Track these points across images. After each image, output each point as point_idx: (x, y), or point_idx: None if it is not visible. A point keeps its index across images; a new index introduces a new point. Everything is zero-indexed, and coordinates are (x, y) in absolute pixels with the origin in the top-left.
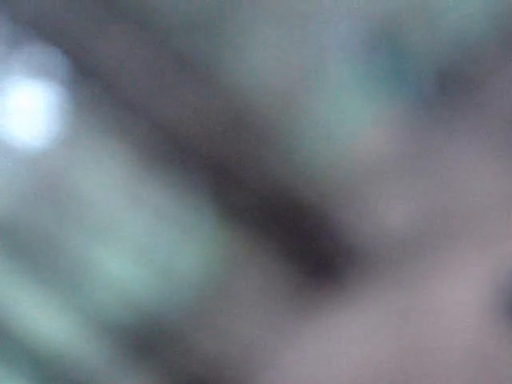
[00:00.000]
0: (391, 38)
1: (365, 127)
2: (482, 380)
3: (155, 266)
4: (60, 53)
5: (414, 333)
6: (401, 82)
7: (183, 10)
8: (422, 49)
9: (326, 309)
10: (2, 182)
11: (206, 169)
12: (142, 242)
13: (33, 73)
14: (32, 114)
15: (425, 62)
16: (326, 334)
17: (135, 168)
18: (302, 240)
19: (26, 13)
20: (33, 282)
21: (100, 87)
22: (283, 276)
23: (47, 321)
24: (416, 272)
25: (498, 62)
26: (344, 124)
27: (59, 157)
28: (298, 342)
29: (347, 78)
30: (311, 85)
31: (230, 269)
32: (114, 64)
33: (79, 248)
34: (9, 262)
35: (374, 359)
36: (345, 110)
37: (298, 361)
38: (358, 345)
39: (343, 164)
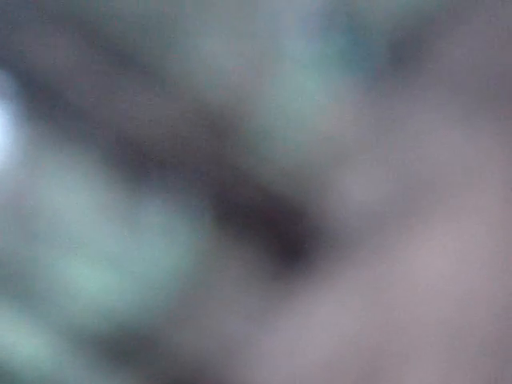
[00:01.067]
0: (344, 12)
1: (325, 106)
2: (459, 351)
3: (128, 272)
4: (4, 70)
5: (389, 306)
6: (356, 56)
7: (126, 8)
8: (374, 21)
9: (300, 292)
10: None
11: (173, 171)
12: (114, 250)
13: None
14: None
15: (378, 33)
16: (303, 317)
17: (101, 178)
18: (271, 226)
19: None
20: (5, 302)
21: (50, 99)
22: (255, 265)
23: (23, 339)
24: (386, 245)
25: (450, 26)
26: (304, 105)
27: (20, 175)
28: (276, 329)
29: (303, 56)
30: (267, 69)
31: (203, 265)
32: (61, 72)
33: (50, 264)
34: None
35: (351, 336)
36: (304, 90)
37: (277, 348)
38: (333, 323)
39: (307, 145)
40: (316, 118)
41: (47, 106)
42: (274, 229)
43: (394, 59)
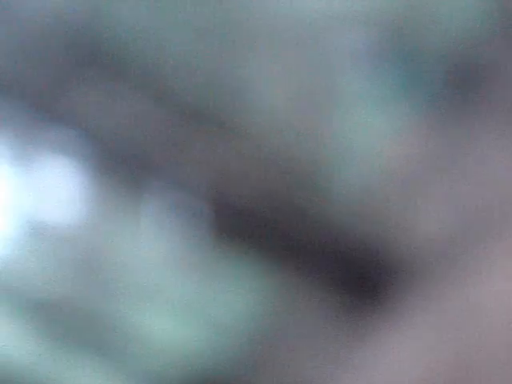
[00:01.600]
0: (396, 43)
1: (388, 137)
2: None
3: (202, 321)
4: (73, 128)
5: (462, 339)
6: (414, 85)
7: (192, 65)
8: (430, 50)
9: (375, 328)
10: (41, 262)
11: (242, 219)
12: (187, 297)
13: (52, 153)
14: (59, 192)
15: (434, 61)
16: (379, 353)
17: (174, 229)
18: (344, 264)
19: (31, 97)
20: (83, 352)
21: (121, 152)
22: (329, 303)
23: None
24: (457, 275)
25: (504, 47)
26: (368, 140)
27: (96, 228)
28: (353, 367)
29: (361, 90)
30: (329, 107)
31: (277, 307)
32: (132, 129)
33: (124, 316)
34: (57, 339)
35: (434, 373)
36: (367, 125)
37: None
38: (415, 361)
39: (373, 178)
40: (381, 152)
41: (121, 162)
42: (347, 266)
43: (451, 86)
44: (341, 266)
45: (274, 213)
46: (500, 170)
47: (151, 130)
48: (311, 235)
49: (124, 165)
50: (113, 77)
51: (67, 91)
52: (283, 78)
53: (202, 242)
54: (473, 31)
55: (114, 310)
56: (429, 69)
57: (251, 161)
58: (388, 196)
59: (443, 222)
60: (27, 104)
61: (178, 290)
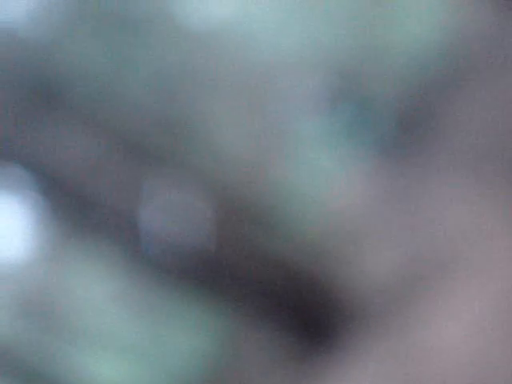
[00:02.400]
0: (349, 86)
1: (338, 179)
2: None
3: (152, 362)
4: (25, 166)
5: (417, 379)
6: (366, 128)
7: (143, 106)
8: (382, 93)
9: (326, 370)
10: None
11: (192, 258)
12: (136, 341)
13: (2, 188)
14: (8, 232)
15: (385, 104)
16: None
17: (122, 269)
18: (292, 303)
19: None
20: None
21: (72, 194)
22: (279, 344)
23: None
24: (405, 316)
25: (457, 92)
26: (317, 180)
27: (38, 269)
28: None
29: (313, 133)
30: (279, 148)
31: (226, 349)
32: (81, 168)
33: (72, 357)
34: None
35: None
36: (317, 165)
37: None
38: None
39: (323, 221)
40: (330, 193)
41: (68, 201)
42: (296, 306)
43: (402, 128)
44: (291, 306)
45: (225, 252)
46: (450, 210)
47: (103, 170)
48: (262, 274)
49: (74, 203)
50: (65, 115)
51: (18, 130)
52: (235, 119)
53: (152, 282)
54: (424, 75)
55: (63, 350)
56: (379, 111)
57: (202, 199)
58: (339, 236)
59: (393, 262)
60: None
61: (127, 331)
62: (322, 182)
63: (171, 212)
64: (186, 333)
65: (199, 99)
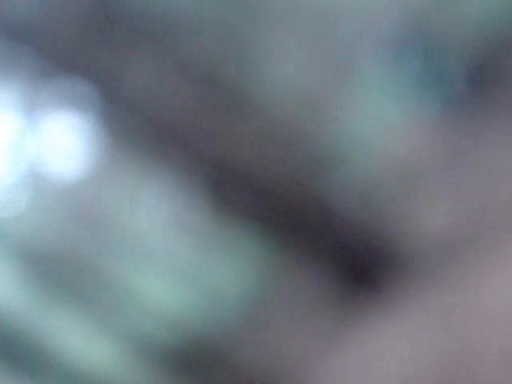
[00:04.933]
0: (418, 36)
1: (399, 129)
2: None
3: (197, 286)
4: (87, 82)
5: (459, 335)
6: (432, 80)
7: (207, 34)
8: (450, 44)
9: (369, 315)
10: (41, 214)
11: (245, 191)
12: (183, 264)
13: (62, 104)
14: (65, 146)
15: (454, 57)
16: (371, 340)
17: (176, 192)
18: (341, 249)
19: (47, 46)
20: (76, 311)
21: (132, 114)
22: (324, 285)
23: (91, 348)
24: (459, 272)
25: None
26: (378, 127)
27: (96, 186)
28: (344, 351)
29: (377, 79)
30: (341, 89)
31: (271, 282)
32: (144, 89)
33: (120, 275)
34: (51, 292)
35: (420, 364)
36: (377, 112)
37: (345, 370)
38: (402, 350)
39: (379, 168)
40: (391, 142)
41: (130, 120)
42: (344, 251)
43: (470, 83)
44: (340, 252)
45: (278, 190)
46: (509, 172)
47: (165, 96)
48: (313, 217)
49: (133, 126)
50: (130, 40)
51: (83, 45)
52: (300, 56)
53: (203, 209)
54: (496, 31)
55: (110, 267)
56: (448, 64)
57: (260, 134)
58: (392, 188)
59: (447, 218)
60: (41, 52)
61: (176, 253)
62: (382, 129)
63: (229, 143)
64: (234, 261)
65: (263, 31)
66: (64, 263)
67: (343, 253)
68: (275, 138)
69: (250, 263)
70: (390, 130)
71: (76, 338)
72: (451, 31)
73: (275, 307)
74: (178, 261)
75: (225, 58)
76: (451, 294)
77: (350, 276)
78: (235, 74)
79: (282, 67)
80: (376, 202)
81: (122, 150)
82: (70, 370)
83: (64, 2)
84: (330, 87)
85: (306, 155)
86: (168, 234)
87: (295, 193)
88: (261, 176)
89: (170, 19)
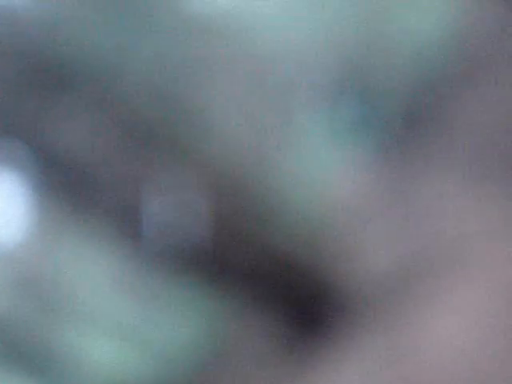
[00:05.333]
0: (353, 80)
1: (339, 171)
2: None
3: (146, 347)
4: (22, 143)
5: (407, 375)
6: (368, 122)
7: (140, 80)
8: (385, 88)
9: (319, 360)
10: None
11: (188, 243)
12: (130, 324)
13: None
14: (2, 210)
15: (389, 100)
16: None
17: (116, 250)
18: (287, 294)
19: None
20: (18, 373)
21: (69, 172)
22: (272, 334)
23: None
24: (404, 312)
25: (461, 89)
26: (318, 171)
27: (36, 249)
28: None
29: (315, 124)
30: (280, 139)
31: (219, 336)
32: (78, 144)
33: (65, 338)
34: None
35: None
36: (317, 158)
37: None
38: None
39: (321, 214)
40: (331, 185)
41: (66, 178)
42: (290, 297)
43: (405, 123)
44: (286, 297)
45: (221, 237)
46: (452, 207)
47: (102, 149)
48: (258, 262)
49: (71, 182)
50: (68, 93)
51: (18, 105)
52: (238, 105)
53: (147, 265)
54: (430, 71)
55: (54, 330)
56: (383, 105)
57: (201, 184)
58: (337, 228)
59: (391, 257)
60: None
61: (120, 313)
62: (322, 174)
63: (171, 201)
64: (181, 319)
65: (202, 86)
66: (6, 331)
67: (290, 299)
68: (218, 188)
69: (196, 315)
70: (330, 173)
71: None
72: (385, 74)
73: (226, 361)
74: (124, 322)
75: (164, 112)
76: (396, 334)
77: (297, 320)
78: (175, 128)
79: (220, 117)
80: (320, 245)
81: (61, 211)
82: None
83: None
84: (270, 134)
85: (249, 203)
86: (113, 294)
87: (240, 241)
88: (204, 226)
89: (107, 75)
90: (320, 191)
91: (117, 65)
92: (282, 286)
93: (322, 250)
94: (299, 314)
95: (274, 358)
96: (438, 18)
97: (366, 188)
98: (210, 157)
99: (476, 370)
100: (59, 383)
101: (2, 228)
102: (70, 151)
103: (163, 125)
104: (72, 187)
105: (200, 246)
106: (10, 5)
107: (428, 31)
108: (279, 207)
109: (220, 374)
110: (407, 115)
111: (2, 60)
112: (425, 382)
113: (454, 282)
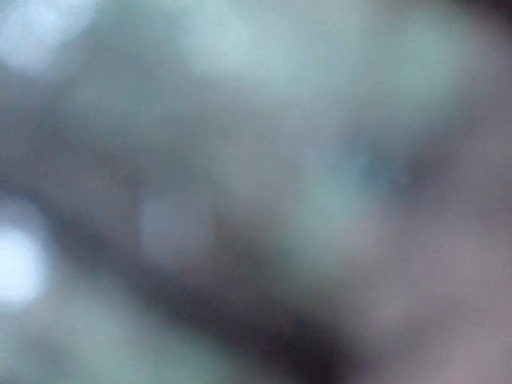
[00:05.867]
0: (361, 133)
1: (349, 227)
2: None
3: None
4: (32, 203)
5: None
6: (377, 176)
7: (150, 139)
8: (391, 141)
9: None
10: None
11: (197, 302)
12: (137, 382)
13: (7, 227)
14: (13, 270)
15: (396, 152)
16: None
17: (126, 308)
18: (298, 350)
19: None
20: None
21: (78, 231)
22: None
23: None
24: (420, 365)
25: (467, 137)
26: (327, 224)
27: (45, 307)
28: None
29: (323, 177)
30: (289, 190)
31: None
32: (88, 203)
33: None
34: None
35: None
36: (326, 211)
37: None
38: None
39: (332, 267)
40: (340, 237)
41: (75, 240)
42: (302, 352)
43: (414, 174)
44: (297, 352)
45: (230, 295)
46: (463, 258)
47: (111, 210)
48: (267, 319)
49: (82, 242)
50: (78, 153)
51: (27, 167)
52: (247, 163)
53: (156, 324)
54: (436, 124)
55: None
56: (390, 157)
57: (208, 240)
58: (347, 281)
59: (403, 309)
60: None
61: (130, 373)
62: (331, 227)
63: (179, 254)
64: (190, 377)
65: (211, 144)
66: None
67: (301, 354)
68: (230, 245)
69: (208, 376)
70: (340, 227)
71: None
72: (391, 125)
73: None
74: (131, 380)
75: (173, 172)
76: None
77: (311, 377)
78: (184, 186)
79: (229, 174)
80: (331, 300)
81: (71, 269)
82: None
83: (4, 128)
84: (278, 190)
85: (260, 258)
86: (122, 353)
87: (251, 296)
88: (216, 283)
89: (117, 136)
90: (330, 245)
91: (127, 125)
92: (292, 340)
93: (333, 305)
94: (311, 369)
95: None
96: (441, 74)
97: (376, 241)
98: (221, 214)
99: None
100: None
101: (13, 287)
102: (80, 210)
103: (173, 183)
104: (81, 245)
105: (211, 302)
106: (23, 69)
107: (432, 86)
108: (290, 262)
109: None
110: (416, 166)
111: (14, 122)
112: None
113: (467, 333)
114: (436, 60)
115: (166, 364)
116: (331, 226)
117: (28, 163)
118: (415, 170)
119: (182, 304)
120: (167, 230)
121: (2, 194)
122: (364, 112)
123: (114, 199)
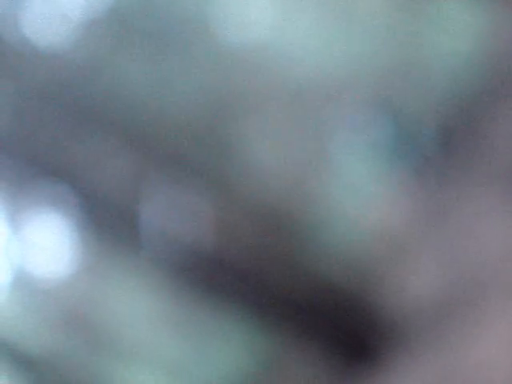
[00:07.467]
0: (391, 104)
1: (379, 197)
2: None
3: (191, 380)
4: (66, 183)
5: None
6: (406, 148)
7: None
8: (420, 111)
9: None
10: (29, 315)
11: (232, 275)
12: (175, 357)
13: (43, 206)
14: (50, 246)
15: (424, 123)
16: None
17: (160, 284)
18: (332, 321)
19: (25, 152)
20: None
21: (110, 210)
22: (318, 362)
23: None
24: (449, 333)
25: (494, 105)
26: (358, 197)
27: (81, 283)
28: None
29: (354, 151)
30: (320, 165)
31: (265, 365)
32: (120, 183)
33: (113, 373)
34: None
35: None
36: (356, 182)
37: None
38: None
39: (364, 241)
40: (372, 211)
41: (109, 216)
42: (336, 324)
43: (441, 143)
44: (332, 324)
45: (264, 269)
46: (490, 226)
47: (142, 188)
48: (301, 293)
49: (115, 219)
50: (108, 134)
51: (60, 148)
52: (275, 137)
53: (192, 298)
54: (464, 91)
55: (100, 364)
56: (419, 127)
57: (241, 216)
58: (379, 254)
59: (434, 282)
60: (21, 158)
61: (166, 346)
62: (361, 199)
63: (217, 236)
64: (227, 350)
65: (240, 119)
66: (52, 363)
67: (336, 327)
68: (262, 220)
69: (243, 351)
70: (368, 198)
71: None
72: (419, 95)
73: None
74: (169, 356)
75: (204, 147)
76: (445, 356)
77: (345, 349)
78: (215, 162)
79: (259, 148)
80: (366, 273)
81: (105, 247)
82: None
83: (37, 109)
84: (308, 163)
85: (294, 233)
86: (158, 328)
87: (286, 271)
88: (251, 259)
89: (146, 114)
90: (361, 218)
91: (155, 103)
92: (328, 314)
93: (367, 278)
94: (345, 341)
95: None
96: (468, 40)
97: (407, 213)
98: (251, 189)
99: None
100: None
101: (48, 266)
102: (112, 190)
103: (204, 159)
104: (114, 224)
105: (247, 276)
106: (50, 49)
107: (459, 53)
108: (321, 235)
109: None
110: (443, 135)
111: (44, 104)
112: None
113: (495, 303)
114: (462, 26)
115: (203, 338)
116: (362, 199)
117: (62, 146)
118: (443, 138)
119: (218, 279)
120: (201, 208)
121: (38, 176)
122: (392, 82)
123: (147, 178)
